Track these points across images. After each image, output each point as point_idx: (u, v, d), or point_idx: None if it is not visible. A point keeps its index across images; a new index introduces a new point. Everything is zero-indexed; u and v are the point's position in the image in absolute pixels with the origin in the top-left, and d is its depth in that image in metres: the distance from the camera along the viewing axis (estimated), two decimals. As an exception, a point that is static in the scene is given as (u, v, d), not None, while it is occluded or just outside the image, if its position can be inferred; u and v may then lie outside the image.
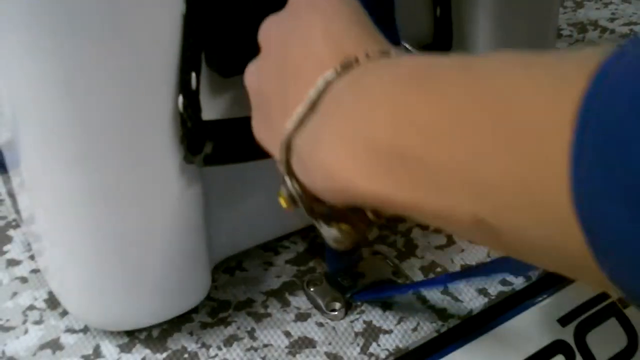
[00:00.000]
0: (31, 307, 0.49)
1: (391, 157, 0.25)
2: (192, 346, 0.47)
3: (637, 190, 0.18)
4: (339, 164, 0.27)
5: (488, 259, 0.53)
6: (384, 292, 0.50)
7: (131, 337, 0.47)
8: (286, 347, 0.47)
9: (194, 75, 0.38)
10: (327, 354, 0.46)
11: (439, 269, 0.52)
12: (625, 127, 0.18)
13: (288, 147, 0.31)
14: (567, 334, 0.49)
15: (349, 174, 0.27)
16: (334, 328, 0.48)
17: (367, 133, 0.26)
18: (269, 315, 0.49)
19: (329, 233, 0.32)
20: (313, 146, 0.29)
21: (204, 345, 0.47)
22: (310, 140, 0.29)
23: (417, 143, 0.24)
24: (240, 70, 0.42)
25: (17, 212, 0.52)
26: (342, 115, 0.28)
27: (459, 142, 0.23)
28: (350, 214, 0.32)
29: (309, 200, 0.31)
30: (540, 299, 0.51)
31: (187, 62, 0.38)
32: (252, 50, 0.41)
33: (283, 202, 0.33)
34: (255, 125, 0.35)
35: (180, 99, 0.38)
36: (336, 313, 0.49)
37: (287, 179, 0.32)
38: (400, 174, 0.25)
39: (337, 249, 0.34)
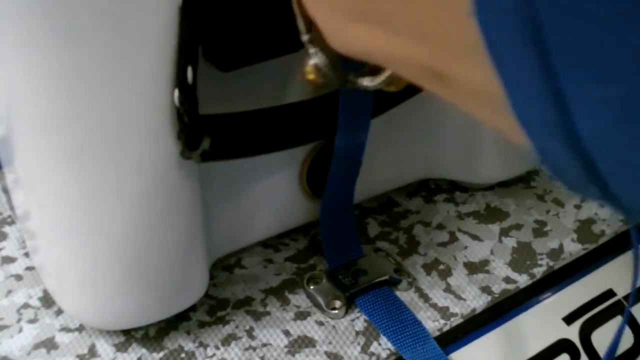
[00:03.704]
0: (26, 306, 0.48)
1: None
2: (189, 345, 0.46)
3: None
4: (327, 18, 0.28)
5: (491, 257, 0.52)
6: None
7: (127, 336, 0.46)
8: (285, 346, 0.46)
9: (190, 69, 0.37)
10: (327, 354, 0.46)
11: (441, 267, 0.52)
12: None
13: (301, 8, 0.31)
14: (572, 333, 0.48)
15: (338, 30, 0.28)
16: (334, 327, 0.47)
17: None
18: (268, 313, 0.48)
19: (377, 80, 0.33)
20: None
21: (201, 344, 0.46)
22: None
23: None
24: (239, 64, 0.41)
25: (12, 208, 0.51)
26: None
27: None
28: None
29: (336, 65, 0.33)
30: (544, 297, 0.50)
31: (184, 56, 0.37)
32: (252, 43, 0.41)
33: (310, 75, 0.34)
34: None
35: (177, 93, 0.37)
36: (336, 312, 0.48)
37: (310, 47, 0.33)
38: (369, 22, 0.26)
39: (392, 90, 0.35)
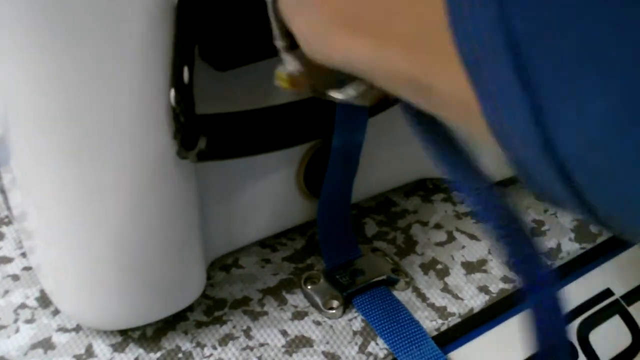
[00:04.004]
0: (23, 306, 0.48)
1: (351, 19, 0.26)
2: (186, 345, 0.46)
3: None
4: (308, 25, 0.28)
5: (489, 256, 0.52)
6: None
7: (124, 336, 0.46)
8: (283, 346, 0.46)
9: (186, 68, 0.37)
10: (325, 354, 0.45)
11: (439, 266, 0.52)
12: None
13: (277, 15, 0.31)
14: (570, 332, 0.48)
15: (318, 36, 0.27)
16: (331, 327, 0.47)
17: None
18: (265, 313, 0.48)
19: (347, 93, 0.32)
20: (292, 10, 0.29)
21: (198, 344, 0.46)
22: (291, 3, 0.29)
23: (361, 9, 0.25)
24: (235, 64, 0.41)
25: (9, 209, 0.51)
26: None
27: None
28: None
29: (309, 74, 0.32)
30: (542, 296, 0.50)
31: (180, 56, 0.37)
32: (248, 42, 0.40)
33: (283, 83, 0.33)
34: None
35: (173, 93, 0.37)
36: (334, 311, 0.48)
37: (284, 54, 0.32)
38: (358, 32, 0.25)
39: (364, 105, 0.33)
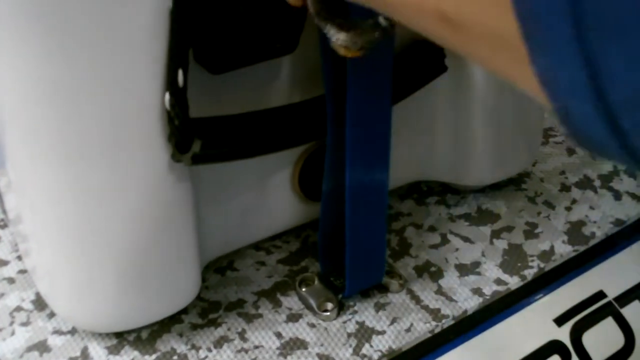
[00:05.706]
0: (18, 309, 0.48)
1: None
2: (181, 348, 0.46)
3: None
4: None
5: (483, 258, 0.52)
6: None
7: (120, 338, 0.46)
8: (277, 348, 0.46)
9: (181, 72, 0.37)
10: (319, 356, 0.46)
11: (433, 269, 0.52)
12: None
13: None
14: (563, 334, 0.48)
15: None
16: (326, 329, 0.47)
17: None
18: (260, 316, 0.48)
19: (337, 37, 0.34)
20: None
21: (193, 346, 0.46)
22: None
23: None
24: (229, 67, 0.41)
25: (5, 212, 0.51)
26: None
27: None
28: (359, 21, 0.34)
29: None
30: (535, 298, 0.50)
31: (174, 59, 0.37)
32: (242, 46, 0.41)
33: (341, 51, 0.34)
34: None
35: (167, 96, 0.38)
36: (328, 314, 0.48)
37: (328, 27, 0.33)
38: None
39: (345, 55, 0.35)
